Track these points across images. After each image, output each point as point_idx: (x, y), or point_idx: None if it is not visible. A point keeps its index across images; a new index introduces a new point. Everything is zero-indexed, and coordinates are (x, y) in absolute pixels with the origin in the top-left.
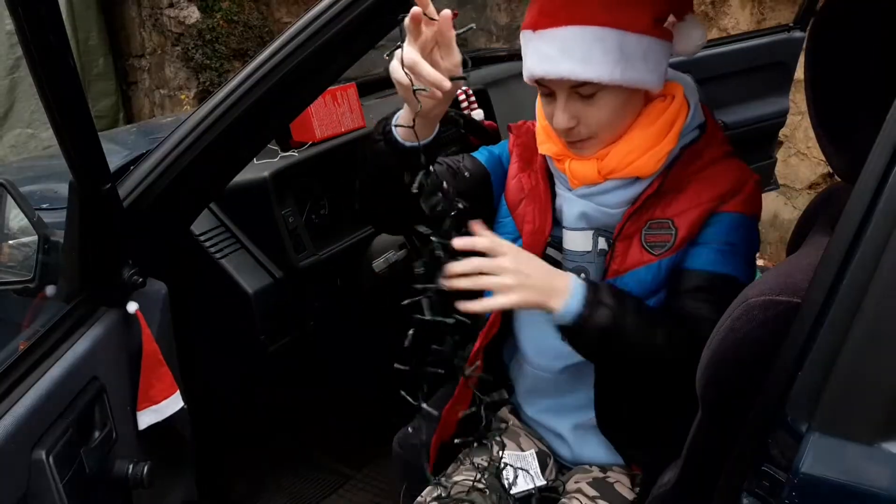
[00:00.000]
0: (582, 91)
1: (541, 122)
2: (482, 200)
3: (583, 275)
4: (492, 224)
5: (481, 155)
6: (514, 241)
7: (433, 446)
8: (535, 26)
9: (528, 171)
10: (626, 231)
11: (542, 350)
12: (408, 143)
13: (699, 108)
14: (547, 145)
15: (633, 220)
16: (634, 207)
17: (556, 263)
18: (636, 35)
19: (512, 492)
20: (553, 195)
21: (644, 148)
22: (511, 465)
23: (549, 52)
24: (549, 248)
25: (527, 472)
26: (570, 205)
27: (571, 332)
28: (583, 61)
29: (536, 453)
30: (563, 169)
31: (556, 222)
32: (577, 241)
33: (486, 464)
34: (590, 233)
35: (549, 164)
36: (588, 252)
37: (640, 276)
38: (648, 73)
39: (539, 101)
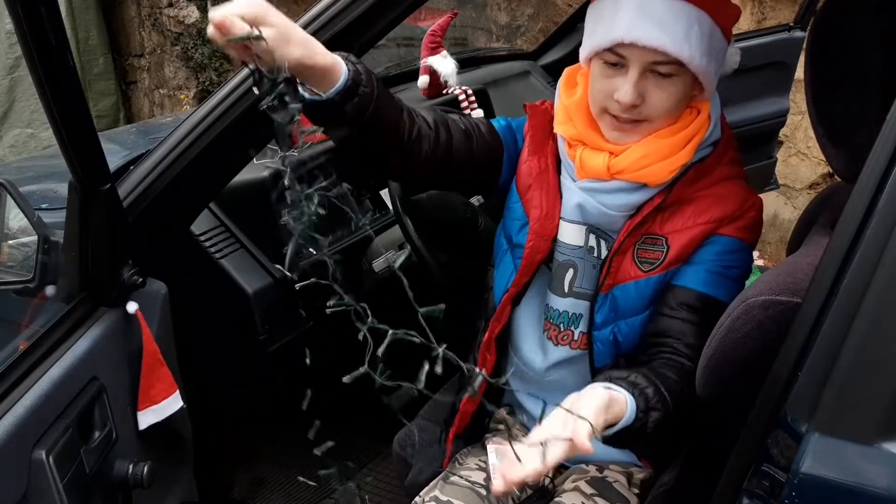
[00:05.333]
0: (661, 69)
1: (563, 101)
2: (488, 170)
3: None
4: (501, 207)
5: (499, 123)
6: (523, 227)
7: (450, 440)
8: None
9: (538, 155)
10: (624, 246)
11: (531, 349)
12: (309, 97)
13: (718, 125)
14: (565, 126)
15: (631, 234)
16: (635, 222)
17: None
18: (720, 32)
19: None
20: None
21: (660, 156)
22: (495, 462)
23: (648, 20)
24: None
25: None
26: (570, 195)
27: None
28: (683, 39)
29: None
30: (573, 156)
31: None
32: (570, 233)
33: (483, 464)
34: (583, 227)
35: (559, 149)
36: (580, 247)
37: (627, 291)
38: (714, 75)
39: (570, 79)
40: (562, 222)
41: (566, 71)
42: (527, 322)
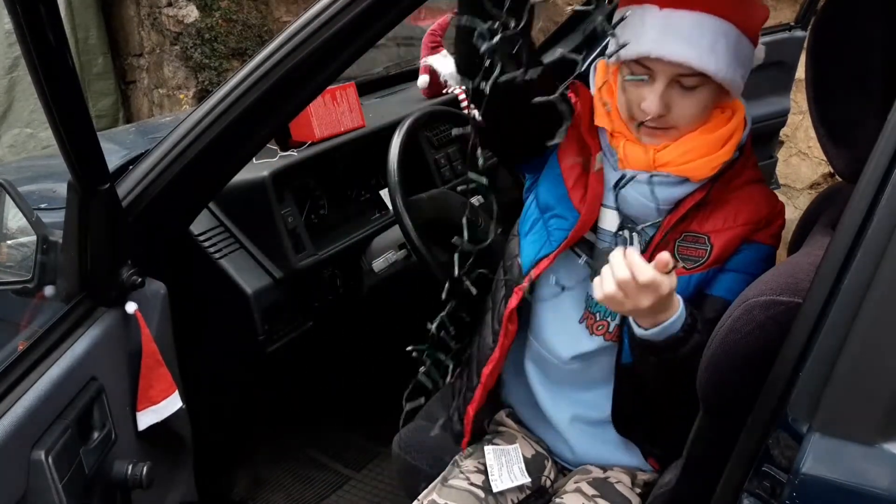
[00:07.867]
0: (685, 81)
1: (598, 96)
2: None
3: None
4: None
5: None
6: (562, 197)
7: (469, 417)
8: (662, 3)
9: (590, 136)
10: (664, 241)
11: (559, 335)
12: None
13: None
14: (605, 120)
15: (672, 230)
16: (676, 217)
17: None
18: (747, 39)
19: (495, 490)
20: None
21: (703, 151)
22: (493, 462)
23: (674, 35)
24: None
25: (510, 468)
26: (610, 184)
27: (651, 347)
28: (709, 53)
29: (533, 456)
30: (616, 146)
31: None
32: (609, 221)
33: (481, 466)
34: (618, 219)
35: (601, 138)
36: (619, 235)
37: None
38: (741, 79)
39: (604, 75)
40: (602, 209)
41: (599, 64)
42: (560, 309)
